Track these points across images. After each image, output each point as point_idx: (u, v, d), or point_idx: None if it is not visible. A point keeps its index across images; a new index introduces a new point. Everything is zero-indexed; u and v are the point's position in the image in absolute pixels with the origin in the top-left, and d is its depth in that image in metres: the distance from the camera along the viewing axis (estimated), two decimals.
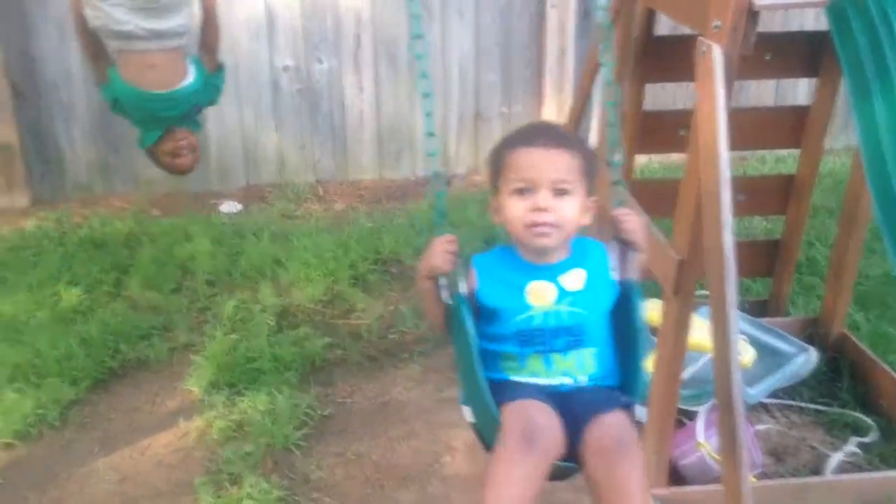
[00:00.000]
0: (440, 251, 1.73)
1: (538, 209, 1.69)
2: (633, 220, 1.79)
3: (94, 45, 2.78)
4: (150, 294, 3.95)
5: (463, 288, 1.73)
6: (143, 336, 3.60)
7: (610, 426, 1.60)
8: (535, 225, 1.69)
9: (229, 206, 5.00)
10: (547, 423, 1.59)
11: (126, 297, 3.93)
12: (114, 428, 3.08)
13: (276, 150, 5.27)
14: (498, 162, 1.77)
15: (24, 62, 4.76)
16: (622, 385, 1.77)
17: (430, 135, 1.87)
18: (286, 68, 5.11)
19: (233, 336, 3.56)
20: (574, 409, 1.65)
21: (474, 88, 5.39)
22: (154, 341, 3.57)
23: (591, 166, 1.76)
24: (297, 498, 2.71)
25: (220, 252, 4.31)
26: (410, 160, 5.48)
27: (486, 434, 1.70)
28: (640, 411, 1.71)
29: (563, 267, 1.77)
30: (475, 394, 1.68)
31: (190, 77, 2.85)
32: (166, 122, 2.87)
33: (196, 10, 2.92)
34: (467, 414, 1.77)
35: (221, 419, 3.06)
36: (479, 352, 1.70)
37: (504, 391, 1.67)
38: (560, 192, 1.70)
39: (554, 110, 5.45)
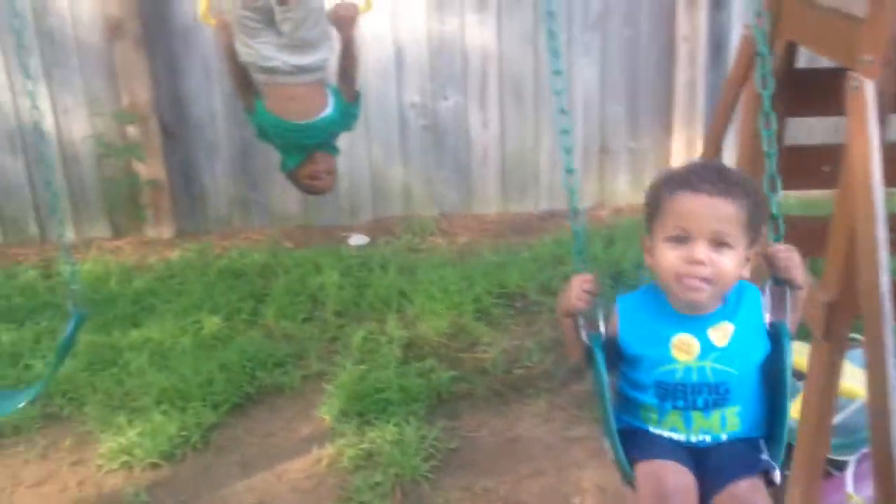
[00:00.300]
0: (577, 290, 1.67)
1: (694, 262, 1.57)
2: (792, 257, 1.66)
3: (243, 77, 2.94)
4: (284, 323, 4.10)
5: (602, 329, 1.68)
6: (278, 363, 3.74)
7: (742, 494, 1.58)
8: (689, 277, 1.59)
9: (357, 239, 5.15)
10: (681, 486, 1.57)
11: (262, 325, 4.10)
12: (251, 452, 3.20)
13: (402, 185, 5.40)
14: (655, 203, 1.67)
15: (174, 103, 5.08)
16: (767, 436, 1.69)
17: (570, 171, 1.84)
18: (413, 105, 5.25)
19: (361, 366, 3.65)
20: (711, 466, 1.61)
21: (599, 122, 5.37)
22: (288, 368, 3.70)
23: (758, 216, 1.63)
24: None
25: (349, 283, 4.43)
26: (534, 195, 5.50)
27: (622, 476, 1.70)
28: (778, 475, 1.67)
29: (713, 319, 1.65)
30: (609, 440, 1.67)
31: (329, 107, 2.94)
32: (307, 148, 2.99)
33: (335, 44, 3.01)
34: (608, 447, 1.72)
35: (352, 448, 3.13)
36: (618, 395, 1.71)
37: (641, 444, 1.65)
38: (719, 245, 1.58)
39: (683, 145, 5.36)
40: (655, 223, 1.66)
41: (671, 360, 1.64)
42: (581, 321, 1.69)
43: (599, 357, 1.64)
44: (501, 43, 5.18)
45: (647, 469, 1.59)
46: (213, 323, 4.03)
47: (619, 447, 1.63)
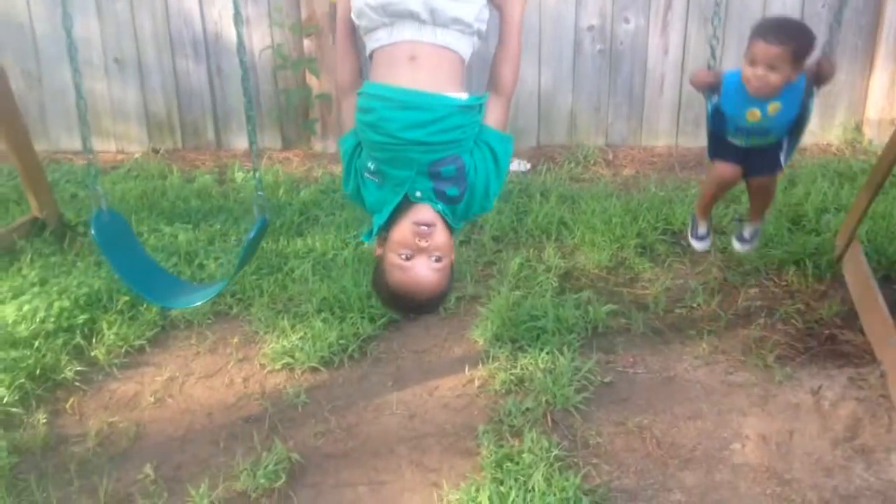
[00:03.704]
0: (703, 79, 2.92)
1: (755, 76, 2.70)
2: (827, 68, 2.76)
3: (352, 59, 2.29)
4: None
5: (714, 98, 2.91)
6: None
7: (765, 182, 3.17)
8: (752, 83, 2.72)
9: (518, 165, 5.05)
10: (731, 173, 3.10)
11: None
12: (405, 366, 3.24)
13: (569, 112, 5.23)
14: (750, 40, 2.72)
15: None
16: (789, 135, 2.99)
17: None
18: (591, 28, 5.02)
19: (516, 293, 3.60)
20: (752, 162, 3.06)
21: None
22: None
23: (802, 51, 2.66)
24: (575, 460, 2.68)
25: (508, 209, 4.37)
26: None
27: None
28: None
29: (770, 100, 2.77)
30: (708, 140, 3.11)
31: (461, 97, 2.07)
32: (413, 166, 2.05)
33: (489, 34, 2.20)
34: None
35: (504, 372, 3.10)
36: (718, 116, 2.92)
37: (720, 147, 3.06)
38: (771, 68, 2.66)
39: (885, 81, 4.89)
40: (748, 51, 2.71)
41: (746, 119, 2.83)
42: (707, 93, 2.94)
43: (709, 106, 2.93)
44: None
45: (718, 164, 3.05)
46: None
47: (711, 145, 3.07)
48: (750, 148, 2.96)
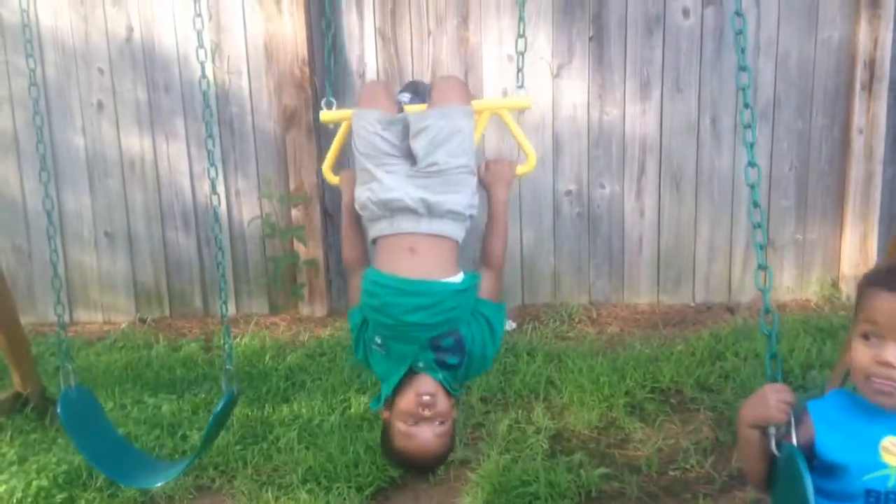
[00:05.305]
0: (774, 400, 1.58)
1: (883, 363, 1.48)
2: None
3: (357, 241, 2.41)
4: None
5: (795, 439, 1.55)
6: None
7: None
8: (877, 379, 1.49)
9: (505, 324, 5.08)
10: None
11: None
12: None
13: (552, 271, 5.33)
14: (859, 297, 1.59)
15: (335, 187, 5.26)
16: None
17: (762, 267, 1.79)
18: (568, 193, 5.22)
19: (507, 456, 3.53)
20: None
21: (764, 214, 5.14)
22: None
23: None
24: None
25: (495, 369, 4.35)
26: (689, 286, 5.28)
27: None
28: None
29: None
30: None
31: (457, 280, 2.22)
32: (416, 344, 2.15)
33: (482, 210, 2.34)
34: None
35: None
36: None
37: None
38: None
39: (857, 239, 5.04)
40: (857, 318, 1.56)
41: (881, 465, 1.49)
42: (772, 431, 1.59)
43: (803, 466, 1.48)
44: (664, 133, 5.10)
45: None
46: (359, 403, 4.05)
47: None
48: None
